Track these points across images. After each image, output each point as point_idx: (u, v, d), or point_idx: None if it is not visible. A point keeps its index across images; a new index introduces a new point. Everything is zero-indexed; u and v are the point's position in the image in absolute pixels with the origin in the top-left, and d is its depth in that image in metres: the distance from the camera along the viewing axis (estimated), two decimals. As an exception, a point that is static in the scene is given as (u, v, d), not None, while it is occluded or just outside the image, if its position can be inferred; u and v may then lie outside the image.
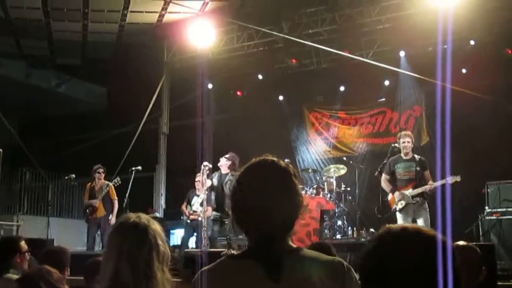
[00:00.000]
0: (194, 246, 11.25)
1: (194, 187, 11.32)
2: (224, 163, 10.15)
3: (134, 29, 14.24)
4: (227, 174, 10.10)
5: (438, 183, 8.82)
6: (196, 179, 11.24)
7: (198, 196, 11.09)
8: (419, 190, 8.91)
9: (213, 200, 10.06)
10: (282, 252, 1.97)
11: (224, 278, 1.98)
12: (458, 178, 8.67)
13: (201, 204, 10.98)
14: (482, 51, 12.81)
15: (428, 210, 8.94)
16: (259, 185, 2.02)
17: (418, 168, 9.01)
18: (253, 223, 2.01)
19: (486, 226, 10.53)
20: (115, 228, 2.71)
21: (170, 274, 2.69)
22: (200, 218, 10.66)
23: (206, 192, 10.29)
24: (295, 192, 2.03)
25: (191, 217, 10.90)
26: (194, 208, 11.11)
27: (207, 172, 10.09)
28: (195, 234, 11.21)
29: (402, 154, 9.20)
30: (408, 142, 9.12)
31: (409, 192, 8.97)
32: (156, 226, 2.70)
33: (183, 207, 11.35)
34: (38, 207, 16.68)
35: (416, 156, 9.16)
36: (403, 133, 9.54)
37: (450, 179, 8.64)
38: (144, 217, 2.71)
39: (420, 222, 8.83)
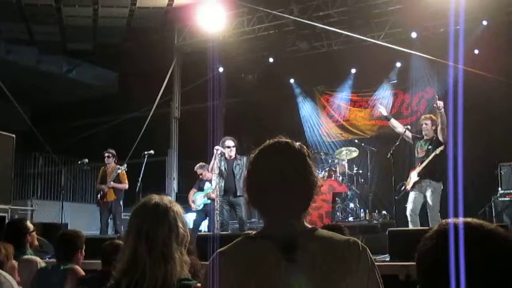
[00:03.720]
0: (206, 230, 11.35)
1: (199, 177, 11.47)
2: (233, 149, 10.18)
3: (145, 14, 14.20)
4: (234, 159, 10.13)
5: (430, 157, 8.83)
6: (198, 172, 11.37)
7: (210, 181, 11.18)
8: (423, 165, 8.90)
9: (223, 186, 10.10)
10: (298, 233, 1.97)
11: (240, 258, 1.98)
12: (442, 147, 8.71)
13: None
14: (494, 31, 12.67)
15: (439, 190, 8.89)
16: (274, 166, 2.02)
17: (430, 147, 9.00)
18: (268, 204, 2.02)
19: (499, 207, 10.52)
20: (136, 208, 2.73)
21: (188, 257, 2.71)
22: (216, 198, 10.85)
23: (215, 175, 10.37)
24: (310, 172, 2.03)
25: (213, 196, 10.95)
26: (205, 192, 11.25)
27: (219, 156, 10.14)
28: (207, 218, 11.31)
29: (424, 136, 9.22)
30: (427, 124, 9.13)
31: (417, 170, 8.98)
32: (178, 208, 2.72)
33: (190, 195, 11.43)
34: (51, 192, 16.80)
35: (434, 137, 9.11)
36: (423, 116, 9.61)
37: (438, 150, 8.74)
38: (166, 199, 2.74)
39: (429, 201, 8.83)
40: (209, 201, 11.09)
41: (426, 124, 9.16)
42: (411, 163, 9.55)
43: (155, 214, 2.64)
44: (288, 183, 1.98)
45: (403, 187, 9.23)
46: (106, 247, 4.37)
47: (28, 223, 5.33)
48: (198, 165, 11.65)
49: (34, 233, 5.38)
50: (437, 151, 8.76)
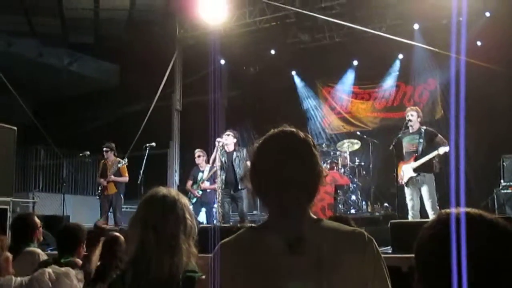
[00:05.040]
0: (203, 221, 11.38)
1: (197, 165, 11.52)
2: (231, 141, 10.18)
3: (146, 6, 14.20)
4: (233, 151, 10.14)
5: (430, 155, 8.81)
6: (196, 155, 11.41)
7: (202, 172, 11.27)
8: (420, 161, 8.89)
9: (224, 179, 10.11)
10: (303, 223, 1.96)
11: (245, 250, 1.97)
12: (446, 148, 8.65)
13: (208, 179, 11.16)
14: (497, 23, 12.62)
15: (433, 182, 8.91)
16: (279, 155, 2.00)
17: (421, 140, 8.99)
18: (273, 194, 1.98)
19: (502, 199, 10.51)
20: (144, 200, 2.74)
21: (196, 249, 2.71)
22: (208, 189, 10.88)
23: (215, 168, 10.40)
24: (315, 162, 2.00)
25: (203, 186, 11.08)
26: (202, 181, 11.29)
27: (221, 148, 10.15)
28: (203, 209, 11.39)
29: (409, 129, 9.20)
30: (412, 115, 9.11)
31: (411, 165, 8.96)
32: (185, 200, 2.74)
33: (188, 186, 11.50)
34: (53, 184, 16.82)
35: (422, 128, 9.11)
36: (408, 108, 9.58)
37: (441, 150, 8.68)
38: (173, 191, 2.75)
39: (424, 193, 8.86)
40: (201, 192, 11.18)
41: (411, 115, 9.13)
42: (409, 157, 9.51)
43: (163, 206, 2.65)
44: (293, 173, 1.95)
45: (396, 181, 9.22)
46: (104, 240, 4.36)
47: (37, 219, 5.36)
48: (200, 150, 11.67)
49: (41, 229, 5.43)
50: (441, 151, 8.72)
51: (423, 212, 9.03)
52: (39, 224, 5.33)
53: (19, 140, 10.87)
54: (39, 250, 5.05)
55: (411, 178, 8.97)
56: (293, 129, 2.07)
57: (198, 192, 11.37)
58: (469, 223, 1.43)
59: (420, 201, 8.99)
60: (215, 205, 10.95)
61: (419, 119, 9.15)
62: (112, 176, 11.26)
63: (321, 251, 1.88)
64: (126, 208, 12.52)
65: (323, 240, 1.91)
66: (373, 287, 1.89)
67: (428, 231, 1.52)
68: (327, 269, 1.86)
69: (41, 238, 5.48)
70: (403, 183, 9.08)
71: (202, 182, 11.25)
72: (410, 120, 9.11)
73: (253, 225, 2.06)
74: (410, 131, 9.17)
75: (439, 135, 9.03)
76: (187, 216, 2.68)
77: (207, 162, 11.44)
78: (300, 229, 1.93)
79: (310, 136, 2.08)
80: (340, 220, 3.32)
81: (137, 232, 2.62)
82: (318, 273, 1.86)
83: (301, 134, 2.06)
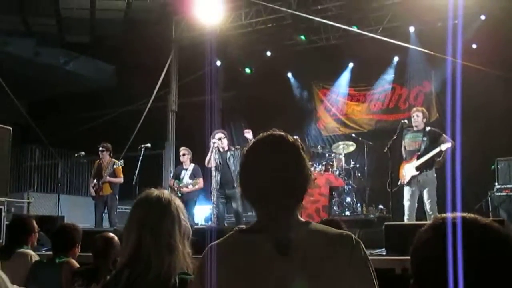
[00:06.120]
0: (198, 222, 11.36)
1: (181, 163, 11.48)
2: (225, 141, 10.20)
3: (142, 6, 14.19)
4: (227, 151, 10.15)
5: (433, 152, 8.84)
6: (181, 153, 11.40)
7: (185, 170, 11.26)
8: (422, 159, 8.90)
9: (219, 179, 10.10)
10: (291, 226, 1.97)
11: (233, 252, 1.98)
12: (449, 144, 8.68)
13: (191, 177, 11.13)
14: (492, 26, 12.66)
15: (435, 181, 8.94)
16: (268, 158, 2.01)
17: (424, 139, 9.01)
18: (261, 197, 2.00)
19: (496, 202, 10.53)
20: (138, 201, 2.76)
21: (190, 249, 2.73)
22: (189, 190, 10.94)
23: (213, 169, 10.39)
24: (303, 165, 2.02)
25: (182, 190, 11.09)
26: (184, 181, 11.24)
27: (216, 149, 10.15)
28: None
29: (413, 127, 9.22)
30: (418, 116, 9.14)
31: (413, 163, 8.97)
32: (179, 202, 2.78)
33: (170, 183, 11.50)
34: (48, 184, 16.81)
35: (427, 128, 9.14)
36: (414, 108, 9.62)
37: (444, 146, 8.70)
38: (166, 192, 2.78)
39: (425, 193, 8.88)
40: (180, 195, 11.02)
41: (417, 116, 9.17)
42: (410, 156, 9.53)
43: (159, 206, 2.68)
44: (281, 176, 1.97)
45: (399, 181, 9.22)
46: (96, 240, 4.37)
47: (34, 223, 5.35)
48: (185, 148, 11.64)
49: (37, 233, 5.43)
50: (443, 147, 8.74)
51: (418, 215, 9.05)
52: (36, 229, 5.33)
53: (14, 140, 10.84)
54: (31, 252, 5.06)
55: (413, 177, 8.98)
56: (282, 133, 2.09)
57: (177, 194, 11.33)
58: (464, 228, 1.43)
59: (418, 203, 9.01)
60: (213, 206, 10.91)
61: (424, 120, 9.18)
62: (108, 177, 11.24)
63: (309, 253, 1.89)
64: (121, 208, 12.51)
65: (311, 242, 1.93)
66: None
67: (423, 235, 1.51)
68: (314, 271, 1.87)
69: (36, 243, 5.48)
70: (404, 183, 9.09)
71: (185, 186, 11.16)
72: (415, 121, 9.15)
73: (242, 227, 2.08)
74: (414, 129, 9.20)
75: (444, 134, 9.04)
76: (182, 216, 2.71)
77: (191, 161, 11.42)
78: (288, 231, 1.93)
79: (299, 140, 2.09)
80: (331, 223, 3.33)
81: (134, 233, 2.64)
82: (306, 276, 1.86)
83: (290, 137, 2.07)
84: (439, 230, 1.47)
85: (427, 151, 8.91)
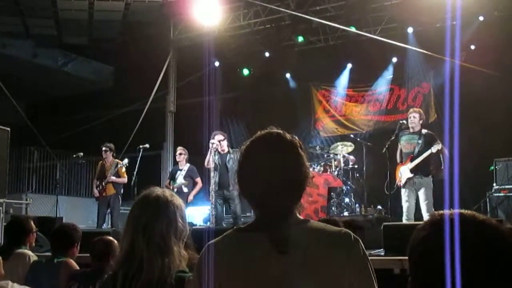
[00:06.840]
0: (197, 223, 11.36)
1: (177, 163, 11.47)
2: (224, 143, 10.19)
3: (140, 7, 14.18)
4: (227, 153, 10.14)
5: (425, 154, 8.86)
6: (178, 152, 11.40)
7: (180, 170, 11.26)
8: (415, 161, 8.92)
9: (217, 181, 10.09)
10: (289, 224, 1.96)
11: (231, 251, 1.97)
12: (439, 146, 8.72)
13: (185, 177, 11.13)
14: (491, 27, 12.67)
15: (431, 184, 8.96)
16: (265, 156, 2.01)
17: (419, 142, 9.01)
18: (260, 195, 1.99)
19: (494, 202, 10.54)
20: (137, 201, 2.74)
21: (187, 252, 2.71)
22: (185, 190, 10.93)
23: (211, 170, 10.38)
24: (301, 163, 2.01)
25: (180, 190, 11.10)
26: (178, 181, 11.24)
27: (215, 150, 10.14)
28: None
29: (410, 129, 9.23)
30: (415, 117, 9.14)
31: (408, 166, 8.98)
32: (179, 202, 2.73)
33: (166, 183, 11.51)
34: (46, 185, 16.78)
35: (423, 130, 9.15)
36: (411, 109, 9.63)
37: (434, 148, 8.75)
38: (167, 192, 2.74)
39: (421, 195, 8.89)
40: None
41: (414, 117, 9.17)
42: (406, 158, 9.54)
43: (155, 207, 2.64)
44: (279, 175, 1.96)
45: (395, 184, 9.23)
46: (96, 243, 4.35)
47: (32, 224, 5.36)
48: (182, 148, 11.64)
49: (35, 234, 5.44)
50: (433, 149, 8.76)
51: (418, 216, 9.05)
52: (34, 229, 5.34)
53: (13, 141, 10.85)
54: (29, 252, 5.06)
55: (408, 179, 8.99)
56: (280, 131, 2.08)
57: (176, 185, 11.33)
58: (462, 224, 1.43)
59: (416, 205, 9.01)
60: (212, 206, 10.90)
61: (421, 121, 9.18)
62: (112, 177, 11.22)
63: (307, 251, 1.89)
64: (124, 209, 12.50)
65: (309, 240, 1.92)
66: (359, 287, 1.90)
67: (421, 232, 1.50)
68: (313, 269, 1.87)
69: (34, 243, 5.48)
70: (400, 185, 9.10)
71: (176, 188, 11.16)
72: (411, 122, 9.15)
73: (240, 226, 2.07)
74: (411, 131, 9.21)
75: (438, 140, 9.05)
76: (179, 218, 2.67)
77: (187, 161, 11.42)
78: (286, 229, 1.93)
79: (296, 138, 2.09)
80: (329, 223, 3.33)
81: (129, 233, 2.63)
82: (304, 274, 1.86)
83: (287, 135, 2.07)
84: (436, 226, 1.46)
85: (420, 153, 8.94)
